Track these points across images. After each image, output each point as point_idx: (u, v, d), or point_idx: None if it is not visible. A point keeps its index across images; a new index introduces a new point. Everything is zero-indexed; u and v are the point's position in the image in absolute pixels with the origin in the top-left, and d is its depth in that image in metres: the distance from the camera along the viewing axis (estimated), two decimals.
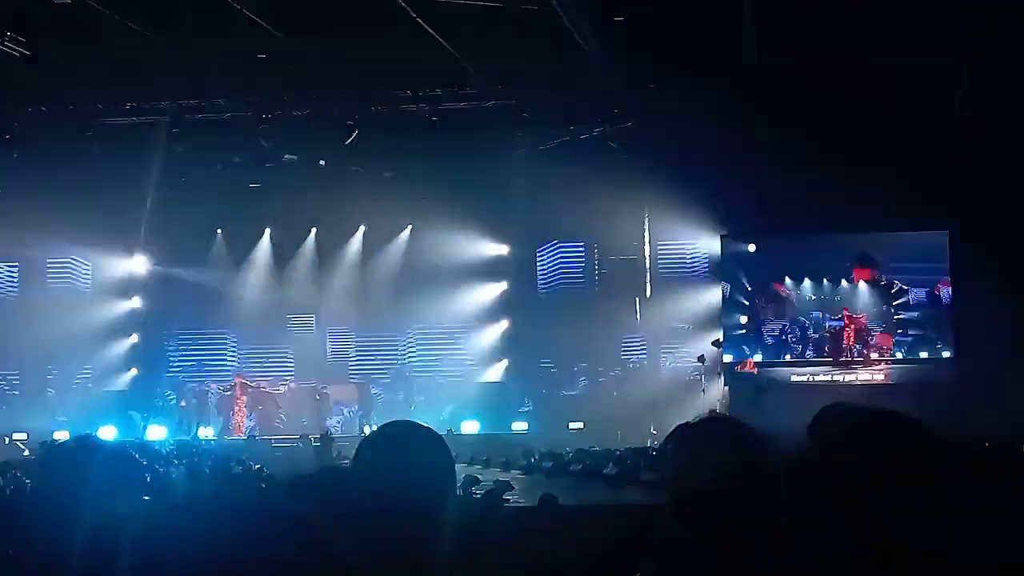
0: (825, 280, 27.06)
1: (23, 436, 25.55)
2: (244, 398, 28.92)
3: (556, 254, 28.90)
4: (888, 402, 2.96)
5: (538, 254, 28.94)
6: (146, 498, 3.75)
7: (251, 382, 29.11)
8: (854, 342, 27.03)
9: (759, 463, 3.25)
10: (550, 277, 28.98)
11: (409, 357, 29.73)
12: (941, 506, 2.42)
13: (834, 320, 27.19)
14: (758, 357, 27.41)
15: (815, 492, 2.46)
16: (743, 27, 19.06)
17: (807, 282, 27.23)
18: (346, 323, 30.22)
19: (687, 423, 3.49)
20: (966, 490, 2.56)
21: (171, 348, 30.50)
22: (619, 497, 14.60)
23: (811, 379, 26.66)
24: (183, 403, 29.30)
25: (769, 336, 27.63)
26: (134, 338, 30.23)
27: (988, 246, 23.92)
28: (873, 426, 2.59)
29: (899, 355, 26.75)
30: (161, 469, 15.88)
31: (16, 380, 29.74)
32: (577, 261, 28.86)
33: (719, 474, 3.26)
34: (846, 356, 26.93)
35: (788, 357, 27.41)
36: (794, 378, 26.79)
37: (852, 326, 27.04)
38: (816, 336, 27.34)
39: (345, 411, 29.00)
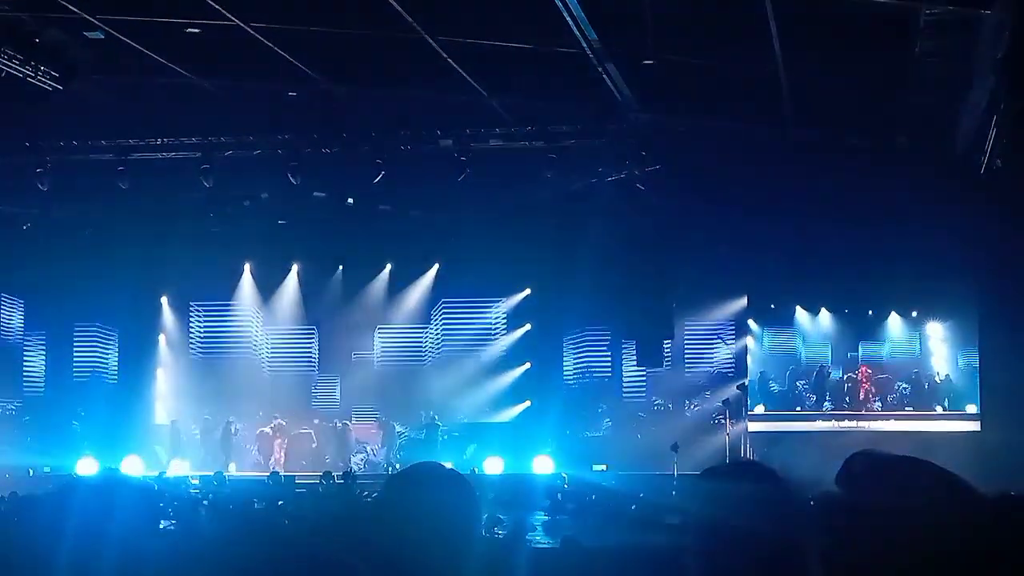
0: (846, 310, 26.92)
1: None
2: (282, 438, 28.97)
3: (582, 344, 28.74)
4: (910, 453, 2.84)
5: (565, 341, 28.76)
6: (171, 526, 3.75)
7: (288, 422, 29.16)
8: (874, 394, 26.77)
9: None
10: (577, 369, 28.96)
11: (432, 395, 29.66)
12: (973, 554, 2.40)
13: (850, 371, 27.00)
14: (760, 408, 27.11)
15: (845, 537, 2.44)
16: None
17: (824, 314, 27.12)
18: (369, 360, 30.28)
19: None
20: (996, 538, 2.53)
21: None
22: (642, 539, 14.54)
23: (835, 425, 26.46)
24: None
25: (775, 383, 27.38)
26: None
27: (1016, 301, 23.63)
28: (903, 474, 2.57)
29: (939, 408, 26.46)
30: (184, 504, 15.88)
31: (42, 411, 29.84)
32: (602, 354, 28.75)
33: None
34: (864, 408, 26.68)
35: (799, 409, 27.09)
36: (821, 423, 26.55)
37: (867, 383, 26.78)
38: (834, 382, 27.05)
39: (368, 449, 28.93)
